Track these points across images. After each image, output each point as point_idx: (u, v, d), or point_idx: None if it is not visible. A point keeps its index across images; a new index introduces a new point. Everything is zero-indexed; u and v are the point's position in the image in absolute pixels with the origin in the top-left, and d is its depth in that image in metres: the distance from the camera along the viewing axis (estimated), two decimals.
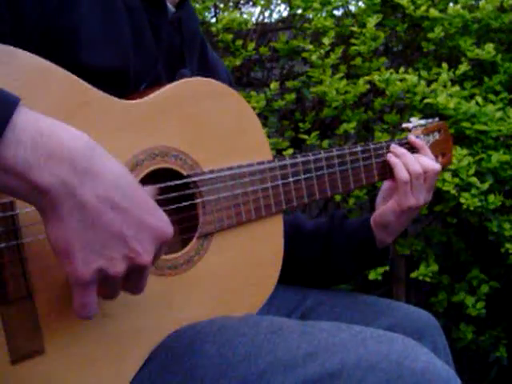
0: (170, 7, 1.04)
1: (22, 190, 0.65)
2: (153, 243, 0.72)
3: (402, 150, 1.17)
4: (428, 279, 1.84)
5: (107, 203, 0.68)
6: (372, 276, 1.80)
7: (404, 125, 1.28)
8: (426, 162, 1.16)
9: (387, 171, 1.18)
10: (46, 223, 0.68)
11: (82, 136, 0.68)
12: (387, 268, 1.81)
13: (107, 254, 0.69)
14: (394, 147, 1.18)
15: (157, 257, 0.74)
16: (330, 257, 1.20)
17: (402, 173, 1.14)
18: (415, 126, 1.26)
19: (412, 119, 1.29)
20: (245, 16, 2.10)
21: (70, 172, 0.66)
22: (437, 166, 1.17)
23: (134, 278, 0.73)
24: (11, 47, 0.75)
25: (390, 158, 1.17)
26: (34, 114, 0.66)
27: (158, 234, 0.72)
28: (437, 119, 1.33)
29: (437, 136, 1.29)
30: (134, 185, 0.71)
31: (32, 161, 0.64)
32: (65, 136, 0.67)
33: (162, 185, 0.90)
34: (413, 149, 1.21)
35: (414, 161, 1.15)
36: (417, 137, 1.23)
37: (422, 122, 1.28)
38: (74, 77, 0.81)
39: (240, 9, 2.36)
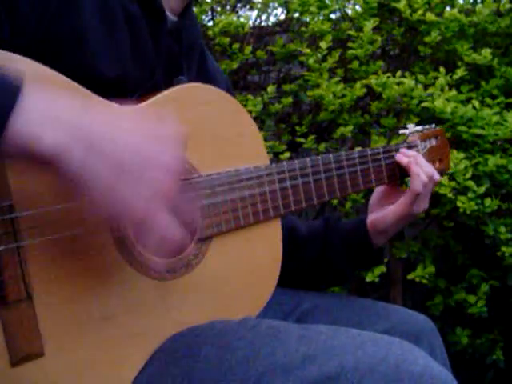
0: (170, 16, 1.03)
1: (39, 153, 0.67)
2: (177, 147, 0.77)
3: (422, 160, 1.18)
4: (425, 281, 1.85)
5: (121, 146, 0.72)
6: (369, 278, 1.80)
7: (401, 131, 1.28)
8: (433, 172, 1.18)
9: (384, 176, 1.18)
10: (77, 194, 0.70)
11: (78, 103, 0.72)
12: (384, 270, 1.82)
13: (146, 180, 0.72)
14: (417, 156, 1.18)
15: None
16: (326, 258, 1.21)
17: (418, 185, 1.14)
18: (412, 132, 1.27)
19: (409, 125, 1.29)
20: (242, 19, 2.11)
21: (80, 131, 0.69)
22: (437, 176, 1.19)
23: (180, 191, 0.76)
24: (9, 53, 0.75)
25: (410, 166, 1.16)
26: (40, 88, 0.69)
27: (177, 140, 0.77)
28: (433, 125, 1.34)
29: (434, 142, 1.30)
30: (137, 121, 0.77)
31: (43, 124, 0.67)
32: (65, 101, 0.71)
33: None
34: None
35: (423, 171, 1.16)
36: (413, 143, 1.24)
37: (419, 128, 1.29)
38: (73, 82, 0.82)
39: (237, 12, 2.36)
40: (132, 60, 0.94)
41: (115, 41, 0.91)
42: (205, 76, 1.14)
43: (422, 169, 1.16)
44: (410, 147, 1.23)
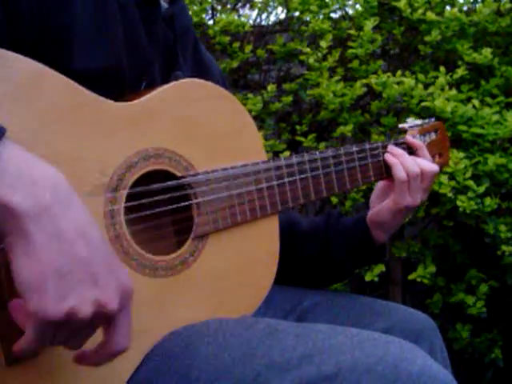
0: (163, 3, 1.04)
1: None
2: (119, 293, 0.69)
3: (400, 151, 1.17)
4: (426, 281, 1.84)
5: (85, 237, 0.67)
6: (368, 277, 1.80)
7: (400, 125, 1.27)
8: (424, 163, 1.16)
9: (383, 171, 1.18)
10: (14, 255, 0.64)
11: (60, 173, 0.69)
12: (383, 269, 1.81)
13: (80, 292, 0.65)
14: (392, 148, 1.18)
15: (123, 310, 0.69)
16: (326, 255, 1.20)
17: (399, 172, 1.14)
18: (411, 127, 1.26)
19: (408, 119, 1.29)
20: (242, 18, 2.11)
21: (52, 199, 0.66)
22: (435, 167, 1.17)
23: (94, 328, 0.70)
24: (3, 50, 0.75)
25: (388, 157, 1.17)
26: (18, 147, 0.67)
27: (124, 285, 0.69)
28: (433, 119, 1.33)
29: (433, 136, 1.29)
30: (100, 233, 0.71)
31: (17, 186, 0.64)
32: (47, 169, 0.68)
33: (156, 186, 0.89)
34: (410, 149, 1.21)
35: (412, 161, 1.15)
36: (413, 137, 1.23)
37: (419, 122, 1.28)
38: (67, 79, 0.81)
39: (237, 11, 2.36)
40: (126, 51, 0.93)
41: (107, 33, 0.91)
42: (200, 64, 1.14)
43: (401, 159, 1.15)
44: (403, 143, 1.22)
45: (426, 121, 1.30)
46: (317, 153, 1.09)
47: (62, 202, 0.67)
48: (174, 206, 0.93)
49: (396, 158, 1.16)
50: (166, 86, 0.93)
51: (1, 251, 0.70)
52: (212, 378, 0.82)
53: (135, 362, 0.86)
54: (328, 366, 0.79)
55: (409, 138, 1.22)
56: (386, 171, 1.18)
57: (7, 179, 0.64)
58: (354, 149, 1.14)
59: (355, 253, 1.20)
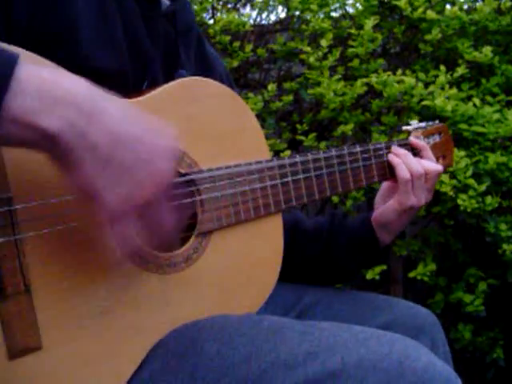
0: (164, 0, 1.03)
1: (33, 139, 0.66)
2: (169, 160, 0.75)
3: (403, 151, 1.17)
4: (426, 279, 1.84)
5: (116, 138, 0.70)
6: (369, 275, 1.79)
7: (404, 127, 1.27)
8: (428, 163, 1.17)
9: (387, 172, 1.18)
10: (64, 172, 0.70)
11: (81, 80, 0.71)
12: (385, 267, 1.81)
13: (128, 183, 0.71)
14: (395, 148, 1.18)
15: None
16: (330, 255, 1.20)
17: (403, 172, 1.14)
18: (415, 129, 1.26)
19: (412, 122, 1.28)
20: (242, 18, 2.10)
21: (76, 114, 0.68)
22: (439, 167, 1.18)
23: (159, 206, 0.75)
24: (8, 45, 0.75)
25: (392, 158, 1.17)
26: (34, 66, 0.68)
27: (170, 151, 0.76)
28: (437, 121, 1.33)
29: (437, 138, 1.29)
30: (137, 113, 0.75)
31: (39, 108, 0.66)
32: (67, 82, 0.69)
33: None
34: (413, 150, 1.21)
35: (415, 161, 1.15)
36: (417, 139, 1.23)
37: (422, 124, 1.28)
38: None
39: (238, 10, 2.36)
40: (127, 49, 0.93)
41: (109, 31, 0.91)
42: (204, 60, 1.14)
43: (404, 159, 1.15)
44: (406, 144, 1.22)
45: (430, 123, 1.30)
46: (321, 152, 1.09)
47: (86, 116, 0.68)
48: (178, 203, 0.92)
49: (399, 157, 1.16)
50: (169, 84, 0.93)
51: (4, 245, 0.70)
52: (217, 377, 0.82)
53: (138, 358, 0.86)
54: (333, 363, 0.79)
55: (412, 139, 1.22)
56: (389, 172, 1.18)
57: (30, 102, 0.65)
58: (358, 149, 1.14)
59: (359, 254, 1.20)
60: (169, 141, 0.76)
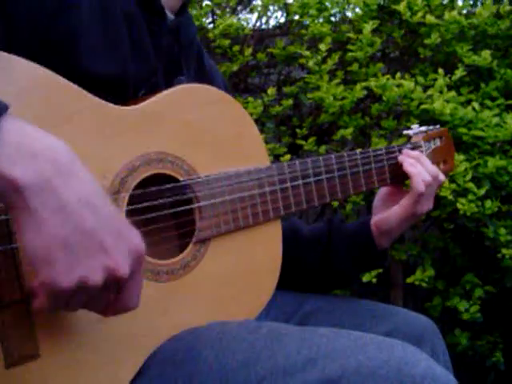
0: (169, 14, 1.04)
1: (2, 190, 0.64)
2: (130, 257, 0.70)
3: (425, 159, 1.17)
4: (424, 284, 1.84)
5: (89, 207, 0.67)
6: (366, 278, 1.79)
7: (405, 131, 1.27)
8: (435, 170, 1.17)
9: (387, 177, 1.18)
10: (21, 229, 0.65)
11: (63, 143, 0.69)
12: (381, 270, 1.81)
13: (88, 262, 0.66)
14: (410, 154, 1.18)
15: (134, 273, 0.71)
16: (329, 261, 1.20)
17: (419, 185, 1.13)
18: (416, 133, 1.26)
19: (413, 126, 1.28)
20: (242, 22, 2.11)
21: (53, 171, 0.66)
22: (442, 177, 1.18)
23: (110, 292, 0.71)
24: (6, 54, 0.75)
25: (409, 166, 1.16)
26: (20, 120, 0.67)
27: (134, 248, 0.71)
28: (438, 126, 1.33)
29: (438, 143, 1.29)
30: (107, 199, 0.71)
31: (15, 159, 0.64)
32: (49, 140, 0.68)
33: (159, 188, 0.89)
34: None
35: (428, 172, 1.15)
36: (418, 143, 1.23)
37: (423, 128, 1.28)
38: (71, 83, 0.81)
39: (237, 15, 2.36)
40: (131, 60, 0.93)
41: (113, 41, 0.91)
42: (203, 74, 1.14)
43: (425, 168, 1.16)
44: (413, 148, 1.22)
45: (431, 127, 1.30)
46: (320, 158, 1.09)
47: (63, 174, 0.66)
48: (176, 210, 0.92)
49: (415, 167, 1.15)
50: (169, 91, 0.93)
51: (0, 254, 0.70)
52: (216, 383, 0.81)
53: (136, 365, 0.86)
54: (332, 370, 0.79)
55: (406, 151, 1.21)
56: (390, 177, 1.18)
57: (7, 152, 0.64)
58: (358, 155, 1.14)
59: (358, 259, 1.20)
60: (138, 236, 0.72)
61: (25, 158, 0.64)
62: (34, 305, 0.71)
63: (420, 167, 1.16)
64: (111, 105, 0.86)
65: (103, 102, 0.85)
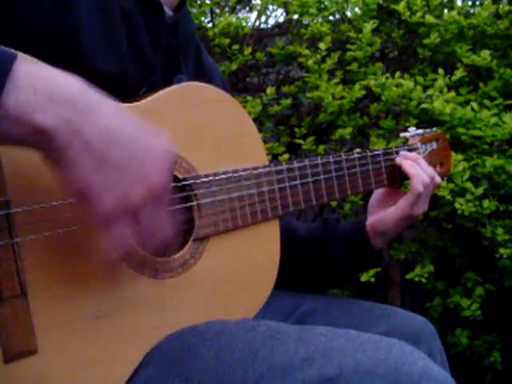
0: (167, 10, 1.04)
1: (28, 136, 0.66)
2: (165, 161, 0.74)
3: (422, 161, 1.18)
4: (424, 280, 1.84)
5: (111, 136, 0.70)
6: (364, 278, 1.79)
7: (402, 134, 1.28)
8: (432, 172, 1.17)
9: (385, 178, 1.18)
10: (57, 170, 0.69)
11: (77, 79, 0.70)
12: (379, 270, 1.81)
13: (123, 183, 0.70)
14: (407, 155, 1.18)
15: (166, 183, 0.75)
16: (325, 261, 1.20)
17: (419, 186, 1.14)
18: (413, 136, 1.26)
19: (410, 128, 1.29)
20: (241, 21, 2.11)
21: (71, 111, 0.67)
22: (438, 179, 1.19)
23: (155, 208, 0.74)
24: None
25: (409, 167, 1.17)
26: (31, 62, 0.69)
27: (166, 152, 0.75)
28: (434, 128, 1.34)
29: (434, 145, 1.30)
30: (130, 115, 0.74)
31: (34, 104, 0.65)
32: (62, 80, 0.69)
33: None
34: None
35: (424, 172, 1.16)
36: (414, 145, 1.24)
37: (420, 131, 1.28)
38: None
39: (236, 14, 2.36)
40: (130, 57, 0.93)
41: (112, 38, 0.91)
42: (202, 71, 1.14)
43: (423, 170, 1.16)
44: (410, 150, 1.23)
45: (428, 130, 1.31)
46: (318, 158, 1.09)
47: (81, 113, 0.68)
48: (175, 208, 0.93)
49: (415, 168, 1.16)
50: (168, 89, 0.93)
51: (1, 248, 0.70)
52: (213, 382, 0.81)
53: (134, 363, 0.86)
54: (330, 369, 0.79)
55: (403, 153, 1.21)
56: (387, 178, 1.18)
57: (25, 98, 0.65)
58: (356, 155, 1.14)
59: (353, 258, 1.20)
60: (163, 142, 0.76)
61: (42, 103, 0.66)
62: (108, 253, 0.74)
63: (419, 168, 1.16)
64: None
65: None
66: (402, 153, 1.20)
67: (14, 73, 0.65)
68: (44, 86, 0.67)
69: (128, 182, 0.71)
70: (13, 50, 0.68)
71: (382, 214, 1.17)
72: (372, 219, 1.19)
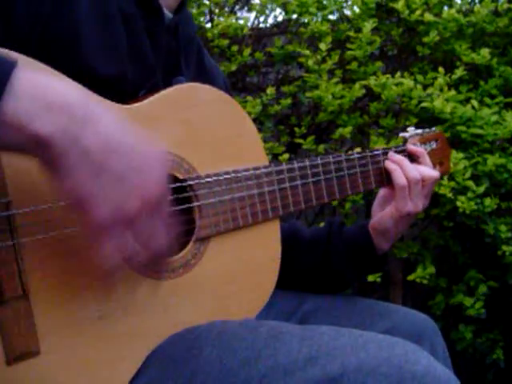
0: (167, 13, 1.03)
1: (25, 143, 0.66)
2: (161, 169, 0.75)
3: (400, 157, 1.18)
4: (425, 281, 1.84)
5: (109, 145, 0.70)
6: (371, 278, 1.80)
7: (401, 134, 1.28)
8: (424, 169, 1.17)
9: (384, 178, 1.18)
10: (54, 178, 0.69)
11: (76, 86, 0.71)
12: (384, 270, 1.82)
13: (120, 192, 0.70)
14: (392, 154, 1.19)
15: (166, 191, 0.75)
16: (329, 264, 1.20)
17: (399, 178, 1.14)
18: (412, 135, 1.26)
19: (409, 128, 1.29)
20: (240, 21, 2.10)
21: (69, 120, 0.67)
22: (436, 174, 1.18)
23: (151, 218, 0.74)
24: (7, 51, 0.75)
25: (388, 164, 1.17)
26: (30, 71, 0.68)
27: (161, 161, 0.76)
28: (433, 128, 1.34)
29: (434, 145, 1.30)
30: (127, 123, 0.74)
31: (32, 112, 0.66)
32: (61, 87, 0.69)
33: None
34: (411, 157, 1.21)
35: (412, 167, 1.15)
36: (414, 145, 1.24)
37: (419, 131, 1.28)
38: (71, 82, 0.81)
39: (235, 14, 2.36)
40: (130, 60, 0.93)
41: (112, 41, 0.91)
42: (203, 72, 1.14)
43: (401, 165, 1.15)
44: (397, 152, 1.22)
45: (427, 130, 1.31)
46: (318, 158, 1.09)
47: (79, 122, 0.68)
48: (176, 208, 0.92)
49: (395, 164, 1.16)
50: (168, 90, 0.94)
51: (2, 249, 0.70)
52: (216, 382, 0.81)
53: (137, 364, 0.86)
54: (333, 368, 0.79)
55: (410, 145, 1.22)
56: (386, 178, 1.18)
57: (24, 106, 0.65)
58: (356, 155, 1.14)
59: (358, 262, 1.20)
60: (159, 151, 0.76)
61: (41, 111, 0.66)
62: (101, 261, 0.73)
63: (401, 163, 1.16)
64: (111, 102, 0.86)
65: (104, 99, 0.85)
66: (389, 154, 1.19)
67: (14, 81, 0.65)
68: (43, 94, 0.67)
69: (125, 192, 0.71)
70: (13, 56, 0.68)
71: (381, 214, 1.17)
72: (373, 220, 1.19)
